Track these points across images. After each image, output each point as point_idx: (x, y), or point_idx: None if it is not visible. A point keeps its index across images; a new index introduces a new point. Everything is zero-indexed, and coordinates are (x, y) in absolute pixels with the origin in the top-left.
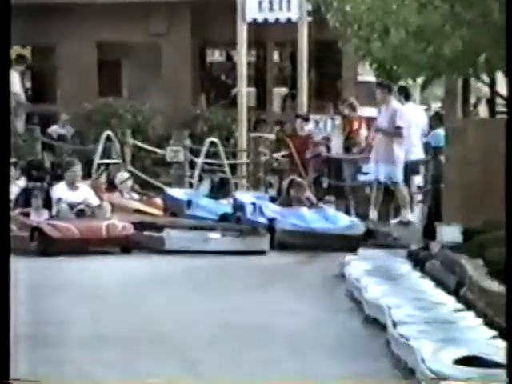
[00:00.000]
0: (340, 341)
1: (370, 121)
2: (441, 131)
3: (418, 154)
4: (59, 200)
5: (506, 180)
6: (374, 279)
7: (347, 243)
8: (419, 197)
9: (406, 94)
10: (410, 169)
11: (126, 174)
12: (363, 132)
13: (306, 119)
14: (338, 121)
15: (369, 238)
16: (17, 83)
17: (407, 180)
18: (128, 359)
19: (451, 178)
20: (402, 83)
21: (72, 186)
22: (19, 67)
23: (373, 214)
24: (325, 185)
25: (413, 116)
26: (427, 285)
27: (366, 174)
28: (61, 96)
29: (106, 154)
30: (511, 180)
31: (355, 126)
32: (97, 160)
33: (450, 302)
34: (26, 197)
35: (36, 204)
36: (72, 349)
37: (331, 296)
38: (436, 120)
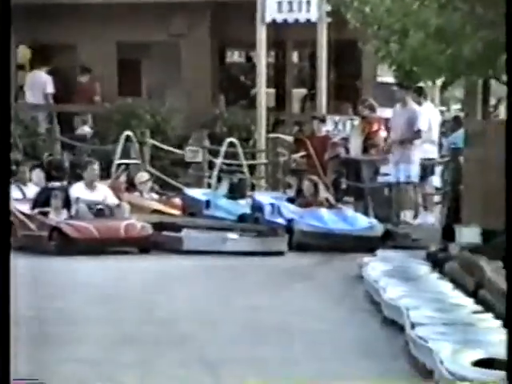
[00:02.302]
0: (358, 342)
1: (388, 122)
2: (460, 132)
3: (433, 153)
4: (78, 200)
5: (506, 180)
6: (393, 280)
7: (366, 244)
8: (436, 198)
9: (422, 94)
10: (426, 169)
11: (145, 175)
12: (382, 133)
13: (323, 120)
14: (357, 122)
15: (387, 240)
16: (50, 83)
17: (423, 180)
18: (148, 359)
19: (471, 179)
20: (420, 84)
21: (90, 185)
22: (45, 67)
23: (404, 215)
24: (343, 186)
25: (430, 116)
26: (446, 286)
27: (385, 175)
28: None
29: (126, 154)
30: (511, 181)
31: (374, 127)
32: (116, 160)
33: (469, 303)
34: (45, 196)
35: (55, 204)
36: (90, 348)
37: (349, 297)
38: (455, 122)
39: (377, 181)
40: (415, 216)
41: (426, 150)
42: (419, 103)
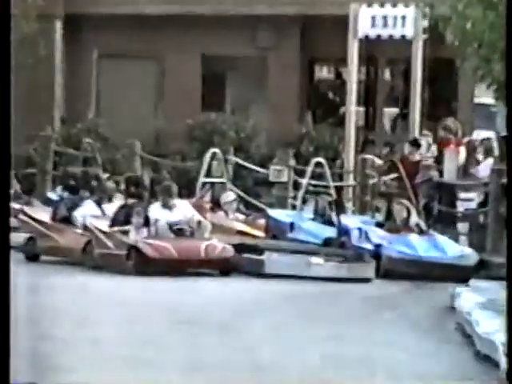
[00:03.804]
0: (448, 376)
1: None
2: None
3: None
4: (156, 220)
5: (507, 180)
6: (487, 313)
7: (458, 274)
8: None
9: None
10: None
11: (232, 194)
12: (462, 156)
13: (417, 145)
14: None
15: (482, 269)
16: None
17: None
18: None
19: None
20: None
21: (169, 205)
22: None
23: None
24: (435, 211)
25: None
26: None
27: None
28: (163, 110)
29: (209, 172)
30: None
31: (451, 149)
32: (201, 178)
33: None
34: (124, 214)
35: (137, 222)
36: (167, 373)
37: (439, 329)
38: None
39: (471, 206)
40: None
41: None
42: None
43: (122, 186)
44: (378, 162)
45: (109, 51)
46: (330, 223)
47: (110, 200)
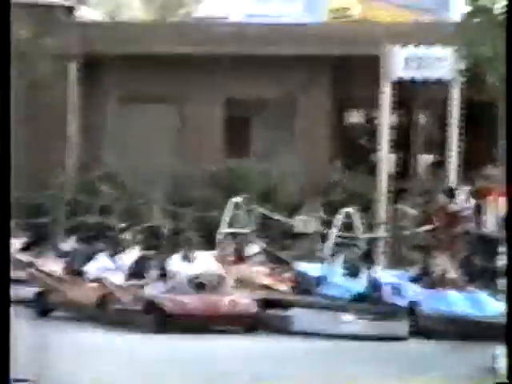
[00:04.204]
0: None
1: None
2: None
3: None
4: (176, 273)
5: (506, 181)
6: None
7: (499, 333)
8: None
9: None
10: None
11: (256, 246)
12: (502, 206)
13: (453, 194)
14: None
15: None
16: None
17: None
18: None
19: None
20: None
21: (189, 257)
22: None
23: None
24: (475, 265)
25: None
26: None
27: None
28: (184, 156)
29: (232, 222)
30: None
31: (492, 199)
32: (223, 229)
33: None
34: (141, 267)
35: (152, 275)
36: None
37: None
38: None
39: None
40: None
41: None
42: None
43: (139, 237)
44: (413, 212)
45: (128, 94)
46: (360, 277)
47: (124, 252)
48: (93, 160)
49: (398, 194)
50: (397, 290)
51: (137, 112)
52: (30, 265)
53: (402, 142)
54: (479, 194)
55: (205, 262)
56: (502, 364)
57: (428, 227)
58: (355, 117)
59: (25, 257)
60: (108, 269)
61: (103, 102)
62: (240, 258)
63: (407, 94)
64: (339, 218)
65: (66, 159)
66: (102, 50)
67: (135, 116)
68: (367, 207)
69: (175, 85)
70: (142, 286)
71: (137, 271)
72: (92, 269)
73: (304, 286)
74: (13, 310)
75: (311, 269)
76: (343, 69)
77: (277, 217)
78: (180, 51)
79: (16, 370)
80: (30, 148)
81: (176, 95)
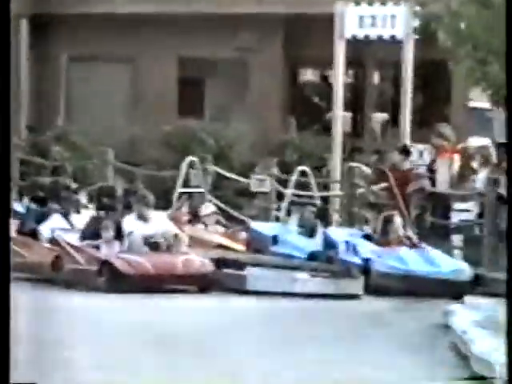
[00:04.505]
0: None
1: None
2: None
3: None
4: (130, 233)
5: (507, 181)
6: (483, 332)
7: (452, 290)
8: None
9: None
10: None
11: (211, 206)
12: (456, 164)
13: (407, 152)
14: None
15: (477, 285)
16: None
17: None
18: None
19: None
20: None
21: (144, 217)
22: None
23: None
24: (428, 222)
25: None
26: None
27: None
28: (137, 116)
29: (186, 181)
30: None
31: (445, 157)
32: (178, 188)
33: None
34: (95, 227)
35: (107, 235)
36: None
37: (432, 349)
38: None
39: (466, 218)
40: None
41: None
42: None
43: (93, 197)
44: (367, 170)
45: (79, 53)
46: (315, 236)
47: (78, 212)
48: (45, 121)
49: (352, 153)
50: (351, 248)
51: (89, 72)
52: None
53: (356, 101)
54: (432, 152)
55: (160, 222)
56: (454, 321)
57: (382, 185)
58: (309, 75)
59: None
60: (62, 229)
61: (55, 62)
62: (195, 217)
63: (361, 52)
64: (294, 177)
65: (19, 120)
66: (52, 8)
67: (88, 76)
68: (322, 166)
69: (128, 44)
70: (96, 246)
71: (91, 231)
72: (46, 229)
73: (259, 245)
74: None
75: (266, 228)
76: (297, 27)
77: (232, 176)
78: (133, 10)
79: None
80: None
81: (129, 54)
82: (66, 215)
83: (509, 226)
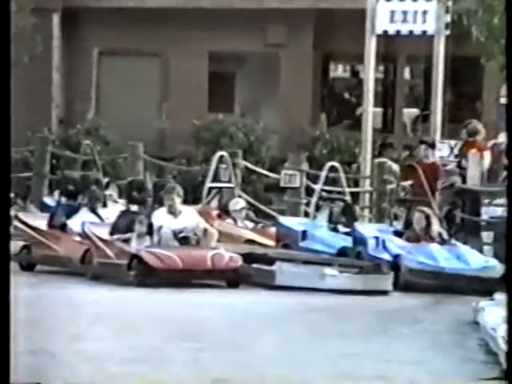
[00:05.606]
0: None
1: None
2: None
3: None
4: (160, 227)
5: (507, 181)
6: None
7: (482, 286)
8: None
9: None
10: None
11: (241, 201)
12: (486, 160)
13: (432, 145)
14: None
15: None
16: None
17: None
18: None
19: None
20: None
21: (174, 211)
22: None
23: None
24: (458, 219)
25: None
26: None
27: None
28: (167, 110)
29: (216, 176)
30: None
31: (475, 153)
32: (208, 183)
33: None
34: (125, 221)
35: (139, 230)
36: None
37: (462, 345)
38: None
39: (497, 214)
40: None
41: None
42: None
43: (124, 191)
44: (396, 166)
45: (110, 48)
46: (345, 232)
47: (105, 206)
48: (76, 115)
49: (382, 148)
50: (381, 244)
51: (120, 66)
52: (15, 218)
53: (387, 96)
54: (463, 148)
55: (189, 217)
56: (483, 317)
57: (412, 181)
58: (340, 71)
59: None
60: (92, 223)
61: (86, 56)
62: (225, 212)
63: (392, 47)
64: (324, 173)
65: (51, 114)
66: (84, 2)
67: (119, 70)
68: (352, 161)
69: (159, 38)
70: (126, 241)
71: (121, 225)
72: (76, 223)
73: (288, 240)
74: None
75: (296, 223)
76: (328, 22)
77: (261, 171)
78: (163, 5)
79: None
80: (13, 104)
81: (159, 49)
82: (94, 209)
83: (508, 221)
